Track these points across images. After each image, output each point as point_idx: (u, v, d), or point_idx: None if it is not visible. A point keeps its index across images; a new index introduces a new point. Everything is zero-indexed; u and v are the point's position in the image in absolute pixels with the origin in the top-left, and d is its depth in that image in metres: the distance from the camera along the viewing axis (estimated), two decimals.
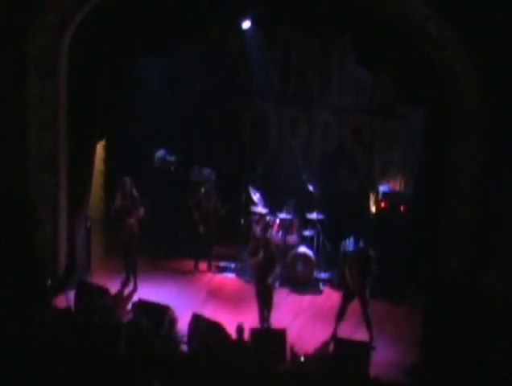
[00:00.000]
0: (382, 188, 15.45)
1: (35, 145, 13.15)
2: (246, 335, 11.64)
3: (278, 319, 13.25)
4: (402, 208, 15.01)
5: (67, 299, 12.79)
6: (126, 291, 14.30)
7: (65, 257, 13.98)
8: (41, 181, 13.32)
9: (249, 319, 12.80)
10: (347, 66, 15.66)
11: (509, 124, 11.58)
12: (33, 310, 11.06)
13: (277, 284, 13.89)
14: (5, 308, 11.04)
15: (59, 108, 13.31)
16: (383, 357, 12.39)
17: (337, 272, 14.84)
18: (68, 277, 13.82)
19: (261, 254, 13.26)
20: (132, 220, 14.27)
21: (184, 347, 11.84)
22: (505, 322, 11.63)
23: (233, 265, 15.61)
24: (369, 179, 16.16)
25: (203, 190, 15.42)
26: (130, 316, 11.95)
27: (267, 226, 15.38)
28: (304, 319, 13.78)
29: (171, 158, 16.46)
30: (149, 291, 13.79)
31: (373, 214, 15.38)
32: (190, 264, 15.52)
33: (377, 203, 15.27)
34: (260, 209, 15.77)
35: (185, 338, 11.99)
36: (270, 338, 11.94)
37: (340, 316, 13.00)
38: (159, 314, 11.86)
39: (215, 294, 14.59)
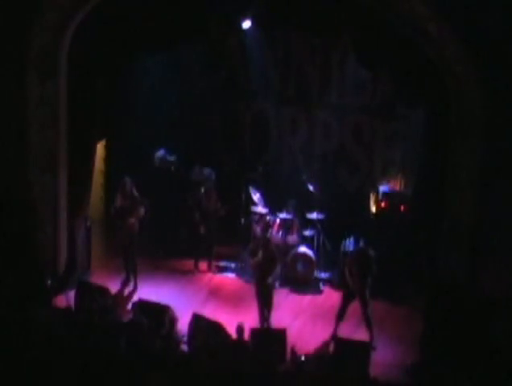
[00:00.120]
0: (382, 188, 15.46)
1: (35, 146, 13.15)
2: (246, 335, 11.64)
3: (278, 319, 13.26)
4: (402, 208, 15.02)
5: (67, 299, 12.80)
6: (126, 291, 14.31)
7: (65, 257, 13.99)
8: (41, 181, 13.32)
9: (250, 319, 12.80)
10: (347, 66, 15.67)
11: (510, 124, 11.57)
12: (33, 309, 11.07)
13: (277, 284, 13.90)
14: (5, 308, 11.04)
15: (60, 108, 13.32)
16: (383, 357, 12.39)
17: (337, 272, 14.84)
18: (68, 276, 13.83)
19: (260, 254, 13.27)
20: (132, 220, 14.28)
21: (185, 347, 11.85)
22: (505, 322, 11.64)
23: (233, 265, 15.62)
24: (370, 179, 16.17)
25: (203, 190, 15.43)
26: (131, 316, 11.95)
27: (267, 226, 15.38)
28: (304, 319, 13.78)
29: (171, 158, 16.46)
30: (149, 291, 13.80)
31: (373, 214, 15.39)
32: (190, 264, 15.52)
33: (377, 203, 15.28)
34: (260, 209, 15.77)
35: (185, 338, 12.00)
36: (270, 338, 11.94)
37: (341, 316, 13.00)
38: (159, 314, 11.86)
39: (215, 294, 14.59)
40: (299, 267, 15.03)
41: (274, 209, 15.66)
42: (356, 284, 12.89)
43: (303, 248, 15.16)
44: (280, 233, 15.33)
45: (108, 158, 15.47)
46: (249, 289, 13.80)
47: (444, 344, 11.93)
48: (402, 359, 12.54)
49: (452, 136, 12.41)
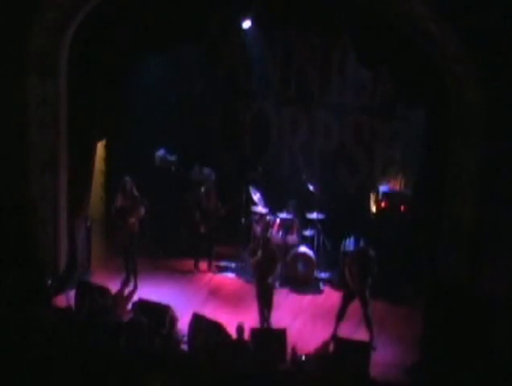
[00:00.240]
0: (383, 188, 15.45)
1: (35, 145, 13.14)
2: (246, 335, 11.63)
3: (278, 319, 13.26)
4: (402, 208, 15.01)
5: (67, 299, 12.81)
6: (127, 291, 14.31)
7: (65, 257, 13.99)
8: (41, 181, 13.32)
9: (250, 319, 12.80)
10: (347, 66, 15.69)
11: (510, 124, 11.56)
12: (33, 309, 11.07)
13: (277, 284, 13.90)
14: (5, 308, 11.05)
15: (60, 107, 13.32)
16: (383, 357, 12.39)
17: (337, 271, 14.84)
18: (68, 276, 13.84)
19: (259, 253, 13.28)
20: (132, 220, 14.29)
21: (185, 347, 11.86)
22: (505, 322, 11.64)
23: (233, 265, 15.62)
24: (370, 179, 16.17)
25: (203, 189, 15.42)
26: (131, 316, 11.94)
27: (267, 226, 15.39)
28: (304, 319, 13.79)
29: (172, 158, 16.47)
30: (149, 291, 13.80)
31: (373, 214, 15.39)
32: (190, 263, 15.52)
33: (377, 203, 15.27)
34: (260, 209, 15.78)
35: (185, 338, 12.00)
36: (270, 338, 11.94)
37: (341, 316, 13.01)
38: (160, 314, 11.87)
39: (215, 294, 14.60)
40: (299, 267, 15.03)
41: (274, 209, 15.66)
42: (356, 284, 12.90)
43: (303, 248, 15.16)
44: (280, 233, 15.33)
45: (108, 158, 15.47)
46: (250, 289, 13.81)
47: (444, 344, 11.93)
48: (402, 359, 12.54)
49: (452, 136, 12.40)
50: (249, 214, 15.80)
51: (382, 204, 15.16)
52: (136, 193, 14.44)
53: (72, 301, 12.56)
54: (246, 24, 14.27)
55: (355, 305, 13.03)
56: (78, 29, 13.09)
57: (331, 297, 14.54)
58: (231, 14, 13.71)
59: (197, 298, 14.20)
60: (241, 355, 10.87)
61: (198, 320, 12.00)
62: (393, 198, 15.20)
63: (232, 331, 11.51)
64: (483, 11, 11.17)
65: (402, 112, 15.39)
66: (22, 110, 12.92)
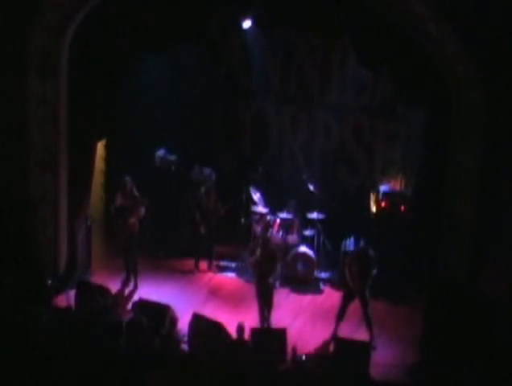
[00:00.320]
0: (383, 188, 15.44)
1: (35, 145, 13.15)
2: (247, 335, 11.64)
3: (278, 319, 13.26)
4: (402, 208, 15.00)
5: (67, 299, 12.82)
6: (127, 290, 14.32)
7: (66, 257, 13.99)
8: (41, 180, 13.32)
9: (250, 319, 12.80)
10: (347, 66, 15.66)
11: (510, 124, 11.56)
12: (33, 309, 11.06)
13: (277, 283, 13.90)
14: (5, 308, 11.05)
15: (60, 107, 13.32)
16: (383, 357, 12.40)
17: (337, 271, 14.85)
18: (68, 276, 13.83)
19: (258, 252, 13.29)
20: (133, 220, 14.29)
21: (185, 347, 11.85)
22: (505, 322, 11.64)
23: (233, 265, 15.63)
24: (370, 179, 16.16)
25: (203, 189, 15.43)
26: (131, 315, 11.93)
27: (268, 226, 15.39)
28: (305, 319, 13.79)
29: (172, 158, 16.47)
30: (149, 290, 13.81)
31: (373, 214, 15.37)
32: (190, 263, 15.53)
33: (377, 203, 15.26)
34: (260, 209, 15.79)
35: (185, 338, 12.00)
36: (270, 338, 11.94)
37: (341, 316, 13.01)
38: (160, 314, 11.87)
39: (215, 294, 14.60)
40: (300, 267, 15.04)
41: (274, 209, 15.67)
42: (356, 284, 12.90)
43: (303, 248, 15.17)
44: (280, 233, 15.33)
45: (108, 158, 15.49)
46: (250, 289, 13.81)
47: (444, 344, 11.93)
48: (403, 359, 12.55)
49: (452, 136, 12.40)
50: (250, 214, 15.80)
51: (382, 204, 15.15)
52: (136, 193, 14.45)
53: (72, 301, 12.56)
54: (246, 24, 14.26)
55: (355, 305, 13.03)
56: (78, 29, 13.09)
57: (331, 297, 14.55)
58: (231, 14, 13.70)
59: (197, 298, 14.21)
60: (241, 355, 10.87)
61: (198, 320, 12.00)
62: (393, 198, 15.19)
63: (232, 331, 11.52)
64: (483, 11, 11.17)
65: (402, 112, 15.38)
66: (23, 110, 12.93)
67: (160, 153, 16.44)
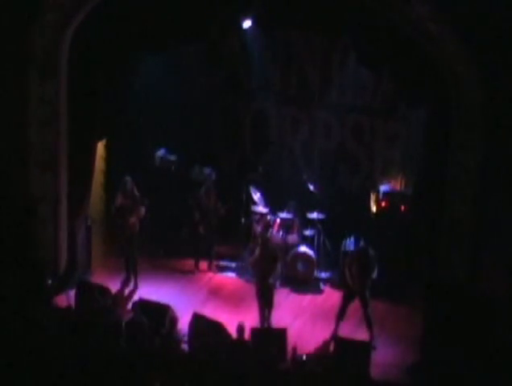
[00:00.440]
0: (383, 188, 15.44)
1: (35, 145, 13.15)
2: (247, 335, 11.64)
3: (278, 319, 13.26)
4: (402, 208, 15.01)
5: (67, 298, 12.82)
6: (127, 290, 14.31)
7: (66, 257, 13.99)
8: (42, 180, 13.33)
9: (250, 319, 12.80)
10: (348, 66, 15.65)
11: (510, 124, 11.56)
12: (33, 309, 11.07)
13: (278, 283, 13.90)
14: (5, 308, 11.05)
15: (60, 107, 13.32)
16: (383, 357, 12.40)
17: (338, 271, 14.84)
18: (68, 276, 13.84)
19: (257, 251, 13.30)
20: (133, 220, 14.29)
21: (185, 347, 11.85)
22: (505, 322, 11.64)
23: (233, 265, 15.63)
24: (370, 179, 16.16)
25: (203, 189, 15.42)
26: (131, 315, 11.95)
27: (268, 225, 15.38)
28: (305, 319, 13.79)
29: (172, 158, 16.47)
30: (149, 290, 13.81)
31: (373, 213, 15.38)
32: (190, 263, 15.52)
33: (377, 203, 15.27)
34: (261, 208, 15.78)
35: (186, 338, 12.00)
36: (270, 338, 11.93)
37: (341, 315, 13.01)
38: (160, 314, 11.87)
39: (215, 294, 14.60)
40: (300, 267, 15.04)
41: (274, 209, 15.66)
42: (356, 284, 12.90)
43: (303, 248, 15.16)
44: (280, 233, 15.33)
45: (108, 158, 15.45)
46: (250, 289, 13.80)
47: (444, 344, 11.93)
48: (403, 358, 12.55)
49: (453, 136, 12.40)
50: (250, 214, 15.80)
51: (383, 204, 15.15)
52: (136, 193, 14.45)
53: (72, 301, 12.57)
54: (246, 24, 14.25)
55: (355, 305, 13.03)
56: (78, 29, 13.10)
57: (331, 296, 14.54)
58: (231, 14, 13.68)
59: (197, 298, 14.21)
60: (241, 355, 10.87)
61: (198, 320, 12.00)
62: (393, 198, 15.19)
63: (232, 331, 11.53)
64: (483, 11, 11.16)
65: (403, 112, 15.38)
66: (23, 110, 12.93)
67: (160, 153, 16.44)
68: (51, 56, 12.99)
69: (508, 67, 11.32)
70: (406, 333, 13.17)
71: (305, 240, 15.42)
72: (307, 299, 14.62)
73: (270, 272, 13.09)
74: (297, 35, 16.06)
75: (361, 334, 12.75)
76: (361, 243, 13.87)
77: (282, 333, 11.96)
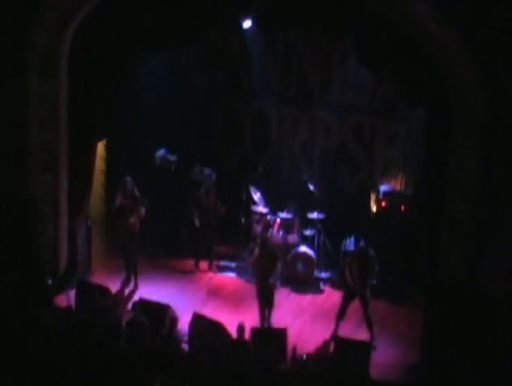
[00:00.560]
0: (383, 188, 15.44)
1: (35, 145, 13.15)
2: (247, 335, 11.65)
3: (278, 319, 13.26)
4: (402, 208, 15.01)
5: (67, 298, 12.84)
6: (127, 290, 14.31)
7: (66, 257, 13.99)
8: (42, 180, 13.33)
9: (250, 319, 12.80)
10: (348, 66, 15.65)
11: (510, 124, 11.56)
12: (33, 309, 11.07)
13: (278, 283, 13.90)
14: (5, 308, 11.05)
15: (60, 107, 13.33)
16: (384, 357, 12.40)
17: (338, 271, 14.85)
18: (68, 276, 13.84)
19: (256, 251, 13.30)
20: (133, 220, 14.29)
21: (185, 347, 11.85)
22: (505, 321, 11.64)
23: (233, 265, 15.64)
24: (370, 179, 16.16)
25: (203, 189, 15.43)
26: (131, 315, 11.95)
27: (268, 225, 15.39)
28: (305, 319, 13.79)
29: (172, 158, 16.46)
30: (150, 290, 13.82)
31: (373, 213, 15.38)
32: (191, 263, 15.53)
33: (377, 203, 15.26)
34: (261, 208, 15.79)
35: (186, 338, 12.00)
36: (270, 338, 11.93)
37: (341, 315, 13.02)
38: (160, 314, 11.87)
39: (216, 294, 14.60)
40: (300, 267, 15.04)
41: (274, 209, 15.67)
42: (356, 284, 12.90)
43: (303, 248, 15.17)
44: (280, 233, 15.33)
45: (108, 158, 15.45)
46: (250, 289, 13.80)
47: (444, 344, 11.93)
48: (403, 358, 12.55)
49: (453, 136, 12.40)
50: (250, 214, 15.81)
51: (383, 204, 15.15)
52: (137, 193, 14.45)
53: (73, 301, 12.57)
54: (246, 24, 14.27)
55: (355, 305, 13.03)
56: (78, 29, 13.10)
57: (331, 296, 14.55)
58: (231, 14, 13.69)
59: (197, 298, 14.21)
60: (241, 355, 10.87)
61: (198, 320, 12.00)
62: (393, 197, 15.19)
63: (232, 331, 11.53)
64: (483, 11, 11.16)
65: (403, 112, 15.38)
66: (23, 110, 12.92)
67: (160, 153, 16.44)
68: (51, 56, 12.99)
69: (508, 67, 11.32)
70: (407, 333, 13.17)
71: (305, 240, 15.42)
72: (307, 299, 14.62)
73: (271, 272, 13.09)
74: (297, 35, 16.05)
75: (361, 334, 12.75)
76: (361, 243, 13.88)
77: (282, 333, 11.96)
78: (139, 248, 14.59)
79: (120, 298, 13.64)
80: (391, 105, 15.65)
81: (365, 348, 11.72)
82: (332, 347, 12.41)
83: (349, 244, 14.80)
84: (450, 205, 12.45)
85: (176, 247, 15.86)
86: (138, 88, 15.93)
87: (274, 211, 15.63)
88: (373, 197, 15.48)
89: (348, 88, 16.13)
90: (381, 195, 15.24)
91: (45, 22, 12.64)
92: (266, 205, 15.85)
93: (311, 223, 15.54)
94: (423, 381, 11.90)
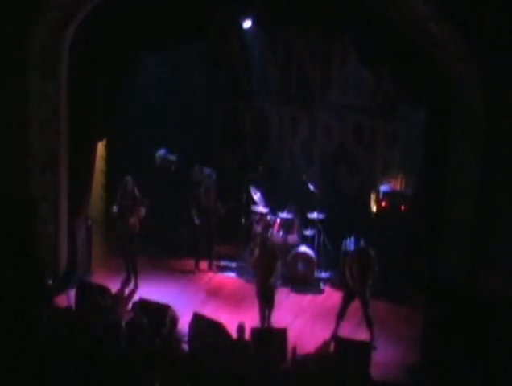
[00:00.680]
0: (383, 188, 15.43)
1: (35, 145, 13.16)
2: (247, 335, 11.64)
3: (278, 319, 13.26)
4: (402, 208, 15.00)
5: (68, 299, 12.83)
6: (127, 290, 14.32)
7: (66, 257, 13.99)
8: (42, 180, 13.33)
9: (250, 319, 12.81)
10: (348, 66, 15.66)
11: (510, 124, 11.56)
12: (34, 309, 11.07)
13: (278, 283, 13.90)
14: (5, 308, 11.05)
15: (60, 107, 13.33)
16: (384, 357, 12.40)
17: (338, 271, 14.85)
18: (68, 276, 13.85)
19: (256, 251, 13.30)
20: (133, 220, 14.29)
21: (185, 347, 11.85)
22: (505, 322, 11.63)
23: (233, 265, 15.64)
24: (370, 179, 16.16)
25: (202, 189, 15.43)
26: (131, 315, 11.95)
27: (268, 225, 15.39)
28: (305, 319, 13.79)
29: (172, 158, 16.48)
30: (150, 290, 13.82)
31: (373, 213, 15.37)
32: (191, 263, 15.53)
33: (377, 203, 15.26)
34: (261, 208, 15.79)
35: (186, 338, 12.00)
36: (270, 338, 11.94)
37: (341, 315, 13.02)
38: (160, 314, 11.88)
39: (216, 294, 14.61)
40: (300, 267, 15.04)
41: (274, 209, 15.67)
42: (356, 283, 12.90)
43: (303, 248, 15.17)
44: (281, 233, 15.33)
45: (108, 158, 15.46)
46: (250, 289, 13.81)
47: (444, 344, 11.93)
48: (403, 359, 12.56)
49: (453, 136, 12.40)
50: (250, 214, 15.81)
51: (383, 204, 15.15)
52: (137, 193, 14.45)
53: (73, 301, 12.57)
54: (246, 24, 14.27)
55: (355, 305, 13.03)
56: (79, 29, 13.10)
57: (331, 296, 14.55)
58: (231, 14, 13.69)
59: (197, 298, 14.22)
60: (241, 355, 10.87)
61: (198, 320, 12.00)
62: (393, 197, 15.19)
63: (232, 331, 11.52)
64: (483, 11, 11.16)
65: (403, 112, 15.38)
66: (23, 110, 12.92)
67: (161, 153, 16.45)
68: (51, 56, 12.99)
69: (508, 67, 11.31)
70: (407, 333, 13.18)
71: (305, 240, 15.42)
72: (307, 299, 14.63)
73: (271, 272, 13.09)
74: (297, 35, 16.04)
75: (362, 334, 12.76)
76: (361, 243, 13.87)
77: (282, 333, 11.97)
78: (139, 248, 14.59)
79: (120, 298, 13.64)
80: (391, 105, 15.65)
81: (365, 348, 11.72)
82: (332, 347, 12.41)
83: (349, 244, 14.80)
84: (450, 205, 12.44)
85: (176, 247, 15.86)
86: (138, 88, 15.92)
87: (274, 211, 15.63)
88: (373, 197, 15.48)
89: (348, 88, 16.13)
90: (381, 195, 15.24)
91: (45, 22, 12.64)
92: (266, 205, 15.85)
93: (311, 223, 15.54)
94: (423, 381, 11.90)
